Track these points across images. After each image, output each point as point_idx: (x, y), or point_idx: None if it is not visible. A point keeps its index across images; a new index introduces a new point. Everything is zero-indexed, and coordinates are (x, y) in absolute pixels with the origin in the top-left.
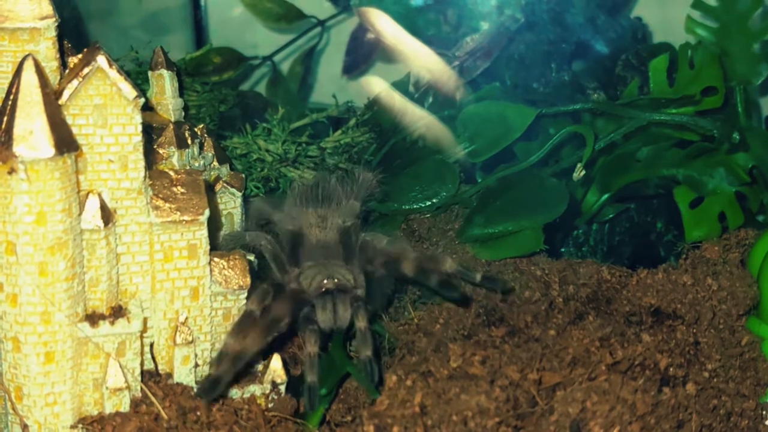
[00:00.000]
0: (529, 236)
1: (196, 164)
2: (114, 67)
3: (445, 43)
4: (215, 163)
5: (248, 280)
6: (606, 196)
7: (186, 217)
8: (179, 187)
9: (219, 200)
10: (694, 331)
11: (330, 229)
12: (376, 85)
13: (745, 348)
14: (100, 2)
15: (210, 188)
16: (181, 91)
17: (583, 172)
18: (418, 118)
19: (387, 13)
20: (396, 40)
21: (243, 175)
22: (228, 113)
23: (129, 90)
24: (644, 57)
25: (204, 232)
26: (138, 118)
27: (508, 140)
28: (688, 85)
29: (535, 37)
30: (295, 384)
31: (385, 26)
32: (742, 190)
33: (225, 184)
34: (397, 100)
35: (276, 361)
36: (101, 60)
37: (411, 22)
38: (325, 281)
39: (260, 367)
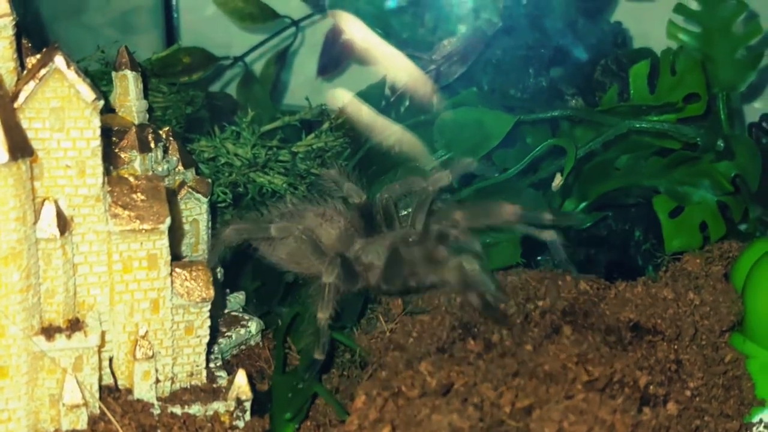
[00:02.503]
0: (506, 249)
1: (160, 169)
2: (72, 68)
3: (421, 46)
4: (180, 167)
5: (211, 292)
6: (584, 204)
7: (146, 226)
8: (139, 194)
9: (184, 206)
10: (676, 347)
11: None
12: (342, 96)
13: (728, 366)
14: (70, 1)
15: (173, 194)
16: (146, 92)
17: (562, 182)
18: (387, 129)
19: (361, 15)
20: (368, 44)
21: (209, 180)
22: (195, 115)
23: (88, 92)
24: (624, 62)
25: (165, 242)
26: (96, 122)
27: (486, 148)
28: (670, 92)
29: (512, 42)
30: (261, 401)
31: (357, 29)
32: (725, 200)
33: (190, 190)
34: (364, 112)
35: (241, 377)
36: (59, 61)
37: (386, 24)
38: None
39: (224, 382)
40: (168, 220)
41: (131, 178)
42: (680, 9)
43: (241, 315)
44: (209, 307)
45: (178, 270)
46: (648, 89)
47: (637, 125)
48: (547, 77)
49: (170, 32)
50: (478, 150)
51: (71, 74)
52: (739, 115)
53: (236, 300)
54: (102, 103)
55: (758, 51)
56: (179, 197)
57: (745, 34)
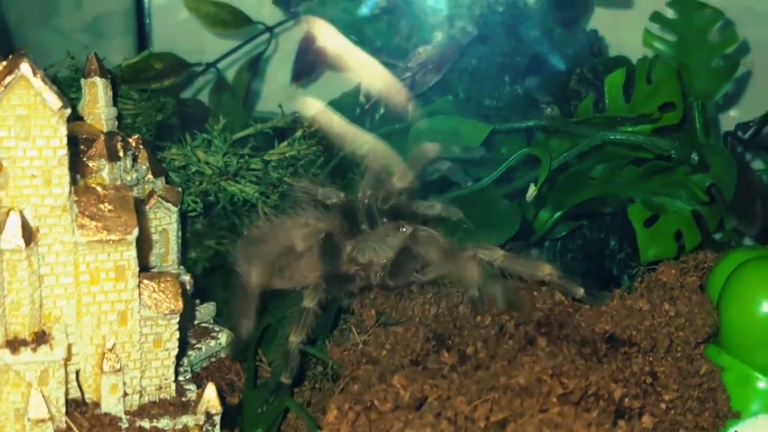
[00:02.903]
0: None
1: (129, 178)
2: (39, 75)
3: (396, 53)
4: (150, 176)
5: (180, 304)
6: (559, 213)
7: (113, 237)
8: (107, 204)
9: (153, 216)
10: (651, 359)
11: None
12: (312, 105)
13: (703, 378)
14: (39, 4)
15: (142, 203)
16: (116, 99)
17: (536, 192)
18: (359, 139)
19: (335, 22)
20: (342, 51)
21: (179, 189)
22: (166, 122)
23: (54, 100)
24: (600, 71)
25: (132, 253)
26: (63, 130)
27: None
28: (645, 101)
29: (488, 50)
30: (231, 415)
31: (331, 36)
32: (700, 209)
33: (160, 199)
34: (335, 122)
35: (210, 391)
36: (25, 68)
37: (360, 31)
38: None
39: (193, 396)
40: (136, 231)
41: (99, 188)
42: (656, 17)
43: (211, 326)
44: (178, 320)
45: (146, 281)
46: (623, 98)
47: (612, 137)
48: (523, 86)
49: (142, 37)
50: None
51: (37, 82)
52: (715, 123)
53: (206, 311)
54: (69, 111)
55: (734, 60)
56: (148, 207)
57: (721, 43)
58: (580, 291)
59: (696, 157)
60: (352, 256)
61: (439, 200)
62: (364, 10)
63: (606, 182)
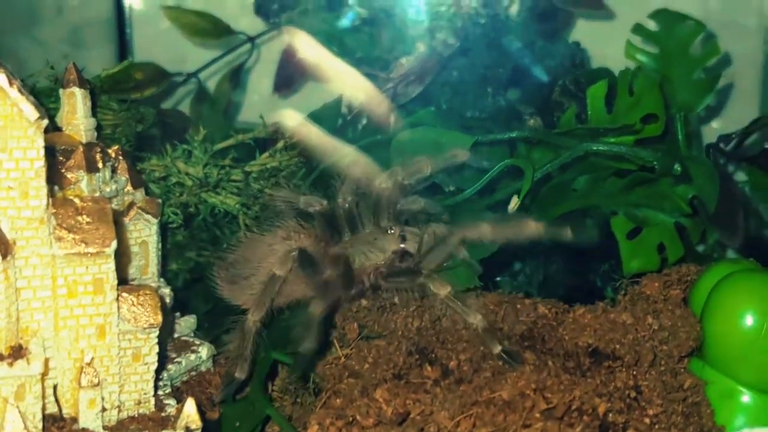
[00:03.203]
0: (463, 272)
1: (108, 189)
2: (15, 86)
3: (377, 64)
4: (129, 187)
5: (159, 317)
6: None
7: (91, 249)
8: (84, 216)
9: (133, 227)
10: (635, 373)
11: None
12: (289, 115)
13: (687, 392)
14: (19, 14)
15: (121, 215)
16: (95, 109)
17: (518, 204)
18: (339, 151)
19: (316, 33)
20: (324, 61)
21: (159, 201)
22: (146, 133)
23: (31, 111)
24: (582, 83)
25: (111, 266)
26: (40, 142)
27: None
28: (628, 112)
29: (470, 62)
30: (211, 429)
31: (312, 47)
32: (683, 221)
33: (139, 211)
34: (314, 134)
35: (190, 405)
36: (1, 78)
37: (341, 42)
38: None
39: (173, 411)
40: (114, 244)
41: (76, 200)
42: (639, 30)
43: (191, 340)
44: (157, 333)
45: (124, 294)
46: (605, 110)
47: (594, 148)
48: (505, 97)
49: (123, 47)
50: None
51: (14, 92)
52: (697, 136)
53: (187, 324)
54: (46, 122)
55: (716, 72)
56: (128, 218)
57: (702, 55)
58: (569, 233)
59: (679, 169)
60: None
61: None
62: (345, 22)
63: (589, 194)
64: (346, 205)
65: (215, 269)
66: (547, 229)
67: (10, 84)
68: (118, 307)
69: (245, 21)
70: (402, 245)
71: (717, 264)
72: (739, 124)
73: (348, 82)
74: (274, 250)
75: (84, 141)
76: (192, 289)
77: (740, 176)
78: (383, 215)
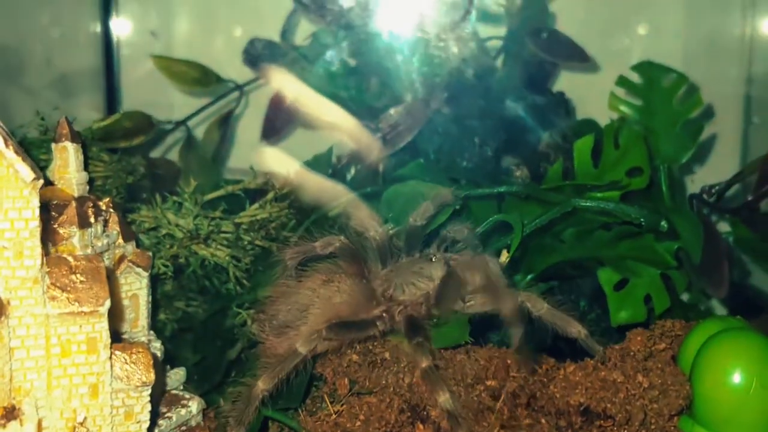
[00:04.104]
0: (454, 328)
1: (99, 244)
2: (11, 146)
3: (365, 113)
4: (120, 240)
5: (152, 375)
6: (530, 276)
7: (85, 308)
8: (78, 275)
9: (124, 281)
10: None
11: None
12: (270, 156)
13: None
14: (8, 63)
15: (113, 270)
16: (87, 162)
17: (509, 258)
18: (338, 197)
19: (304, 80)
20: (314, 109)
21: (150, 254)
22: (137, 184)
23: (27, 172)
24: (568, 134)
25: (104, 324)
26: (35, 202)
27: (433, 224)
28: (614, 166)
29: (458, 111)
30: None
31: (298, 91)
32: (668, 273)
33: (130, 264)
34: (313, 181)
35: None
36: None
37: (330, 89)
38: None
39: None
40: (108, 303)
41: (70, 259)
42: (622, 81)
43: (181, 394)
44: (150, 391)
45: (117, 353)
46: (592, 163)
47: (583, 204)
48: (493, 147)
49: (111, 94)
50: (426, 225)
51: (10, 153)
52: (680, 186)
53: (176, 377)
54: (41, 182)
55: (699, 124)
56: (119, 272)
57: (686, 107)
58: (600, 351)
59: (665, 225)
60: (388, 295)
61: None
62: (332, 70)
63: (576, 246)
64: (377, 237)
65: (257, 324)
66: (585, 338)
67: (6, 144)
68: (111, 366)
69: (233, 69)
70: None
71: (704, 322)
72: (721, 173)
73: (340, 126)
74: (320, 295)
75: (76, 195)
76: (180, 339)
77: (723, 226)
78: (418, 244)
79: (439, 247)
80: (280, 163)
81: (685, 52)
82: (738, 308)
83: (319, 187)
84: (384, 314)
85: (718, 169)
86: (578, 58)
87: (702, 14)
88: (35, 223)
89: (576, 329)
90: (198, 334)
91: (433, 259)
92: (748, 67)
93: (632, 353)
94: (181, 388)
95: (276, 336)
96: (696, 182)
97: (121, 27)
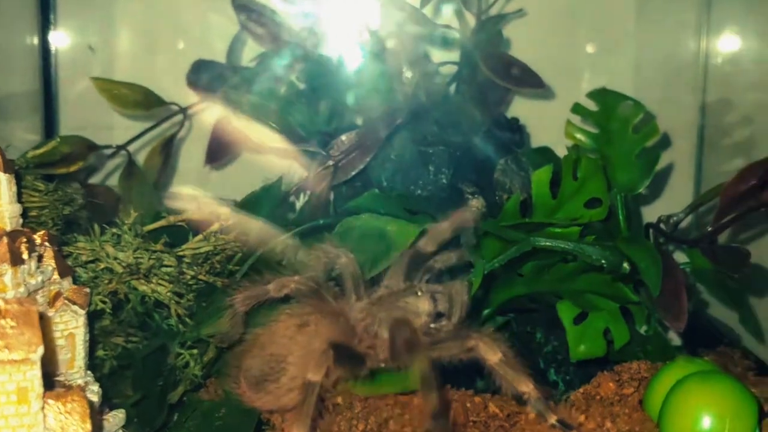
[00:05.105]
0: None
1: (33, 281)
2: None
3: (317, 139)
4: (56, 276)
5: (89, 426)
6: (488, 311)
7: (15, 356)
8: (8, 320)
9: (59, 319)
10: None
11: None
12: (187, 195)
13: None
14: None
15: (47, 308)
16: (20, 193)
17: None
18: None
19: (252, 104)
20: (258, 136)
21: (87, 290)
22: (74, 214)
23: None
24: (523, 161)
25: (37, 372)
26: None
27: (389, 259)
28: (572, 197)
29: (412, 138)
30: None
31: (241, 120)
32: (628, 306)
33: (66, 302)
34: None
35: None
36: None
37: (277, 117)
38: None
39: None
40: (41, 350)
41: (0, 302)
42: (578, 109)
43: None
44: None
45: (51, 402)
46: (550, 194)
47: (543, 243)
48: (447, 175)
49: (50, 117)
50: (381, 261)
51: None
52: (637, 216)
53: (115, 420)
54: None
55: (655, 153)
56: (54, 309)
57: (642, 136)
58: (553, 419)
59: (627, 267)
60: (372, 332)
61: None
62: (280, 94)
63: (535, 280)
64: (349, 265)
65: (233, 378)
66: (536, 400)
67: None
68: (44, 417)
69: (177, 92)
70: (435, 306)
71: (671, 364)
72: (675, 202)
73: (285, 157)
74: (297, 342)
75: (8, 229)
76: (120, 376)
77: (679, 256)
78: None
79: (423, 278)
80: (198, 204)
81: (638, 78)
82: (695, 340)
83: (251, 228)
84: (370, 350)
85: (671, 198)
86: (533, 84)
87: (656, 40)
88: None
89: (527, 388)
90: (138, 371)
91: (419, 293)
92: (702, 94)
93: (599, 397)
94: (121, 430)
95: (254, 391)
96: (649, 212)
97: (61, 43)
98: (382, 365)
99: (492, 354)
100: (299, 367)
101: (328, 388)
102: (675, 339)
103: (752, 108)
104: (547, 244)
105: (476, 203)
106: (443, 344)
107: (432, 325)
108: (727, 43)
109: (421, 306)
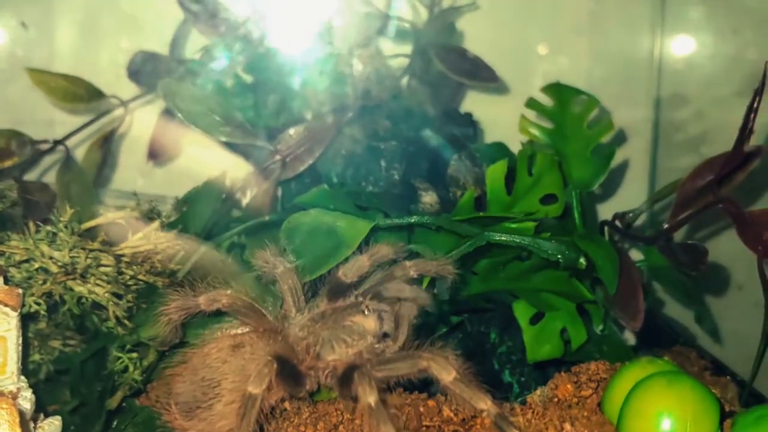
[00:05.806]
0: None
1: None
2: None
3: (264, 132)
4: None
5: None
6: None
7: None
8: None
9: None
10: None
11: None
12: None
13: None
14: None
15: None
16: None
17: None
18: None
19: (195, 97)
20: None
21: (20, 291)
22: (7, 211)
23: None
24: (477, 157)
25: None
26: None
27: (338, 257)
28: (527, 193)
29: (363, 132)
30: None
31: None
32: (585, 305)
33: None
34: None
35: None
36: None
37: (221, 111)
38: None
39: None
40: None
41: None
42: (532, 104)
43: None
44: None
45: None
46: (505, 190)
47: (497, 238)
48: (400, 171)
49: None
50: (331, 259)
51: None
52: (592, 213)
53: (51, 427)
54: None
55: (610, 148)
56: None
57: (597, 131)
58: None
59: (584, 263)
60: (314, 353)
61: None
62: (226, 87)
63: (490, 278)
64: (286, 276)
65: (164, 407)
66: (496, 417)
67: None
68: None
69: (118, 85)
70: (381, 326)
71: (630, 364)
72: (630, 199)
73: (228, 152)
74: (231, 366)
75: None
76: (57, 381)
77: (635, 254)
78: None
79: (367, 293)
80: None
81: (592, 74)
82: (650, 340)
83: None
84: (311, 372)
85: (626, 194)
86: (487, 77)
87: (610, 35)
88: None
89: (485, 405)
90: (76, 376)
91: (366, 312)
92: (656, 89)
93: (557, 400)
94: None
95: (186, 419)
96: (604, 209)
97: None
98: (324, 388)
99: (446, 374)
100: (234, 393)
101: (267, 406)
102: (630, 339)
103: (706, 104)
104: (503, 239)
105: (429, 199)
106: (392, 365)
107: (376, 345)
108: (682, 39)
109: (367, 326)
